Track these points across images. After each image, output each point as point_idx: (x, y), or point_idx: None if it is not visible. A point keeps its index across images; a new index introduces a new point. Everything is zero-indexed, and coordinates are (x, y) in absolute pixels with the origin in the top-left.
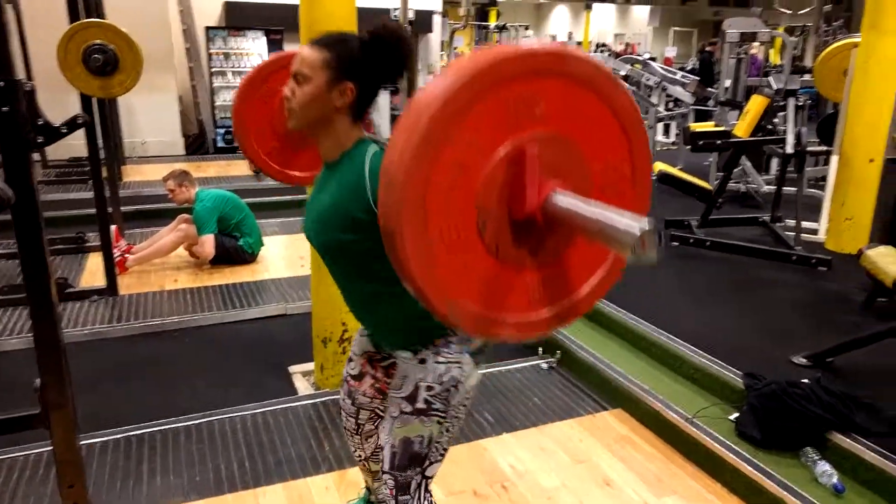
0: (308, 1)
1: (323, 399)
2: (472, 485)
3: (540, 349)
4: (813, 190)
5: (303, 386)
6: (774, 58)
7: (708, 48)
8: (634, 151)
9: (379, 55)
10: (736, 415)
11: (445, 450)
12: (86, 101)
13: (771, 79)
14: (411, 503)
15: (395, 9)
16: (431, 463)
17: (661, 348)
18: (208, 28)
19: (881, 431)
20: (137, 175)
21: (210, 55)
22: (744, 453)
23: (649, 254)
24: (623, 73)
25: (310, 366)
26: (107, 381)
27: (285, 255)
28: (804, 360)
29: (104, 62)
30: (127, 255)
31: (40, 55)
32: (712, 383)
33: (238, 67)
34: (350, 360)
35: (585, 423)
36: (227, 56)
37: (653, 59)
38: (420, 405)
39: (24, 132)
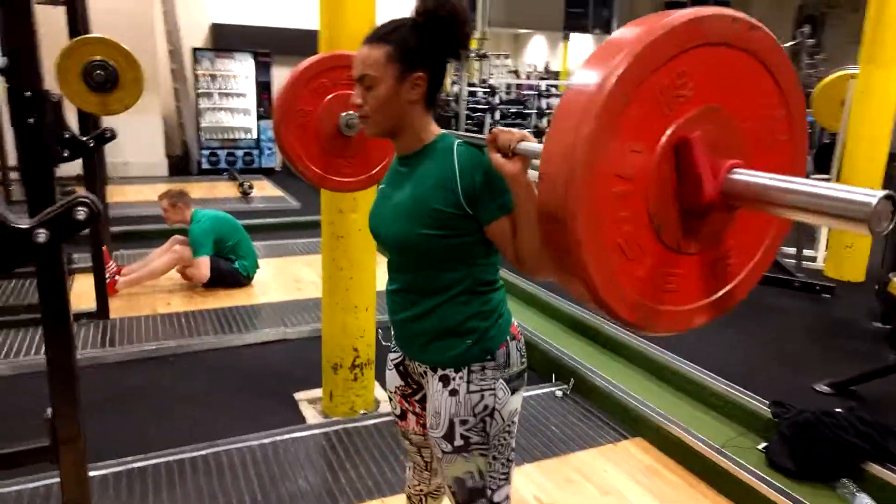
0: (329, 19)
1: (335, 428)
2: None
3: (553, 376)
4: None
5: (311, 414)
6: None
7: None
8: (786, 93)
9: (438, 34)
10: (764, 444)
11: (506, 473)
12: (83, 119)
13: None
14: None
15: None
16: (494, 490)
17: (678, 375)
18: (195, 49)
19: None
20: (120, 196)
21: (197, 76)
22: (777, 484)
23: (887, 225)
24: None
25: (317, 392)
26: (102, 409)
27: (279, 278)
28: (827, 388)
29: (105, 79)
30: (117, 277)
31: None
32: (735, 411)
33: (225, 89)
34: (390, 399)
35: (607, 452)
36: (213, 77)
37: None
38: (458, 442)
39: (50, 146)
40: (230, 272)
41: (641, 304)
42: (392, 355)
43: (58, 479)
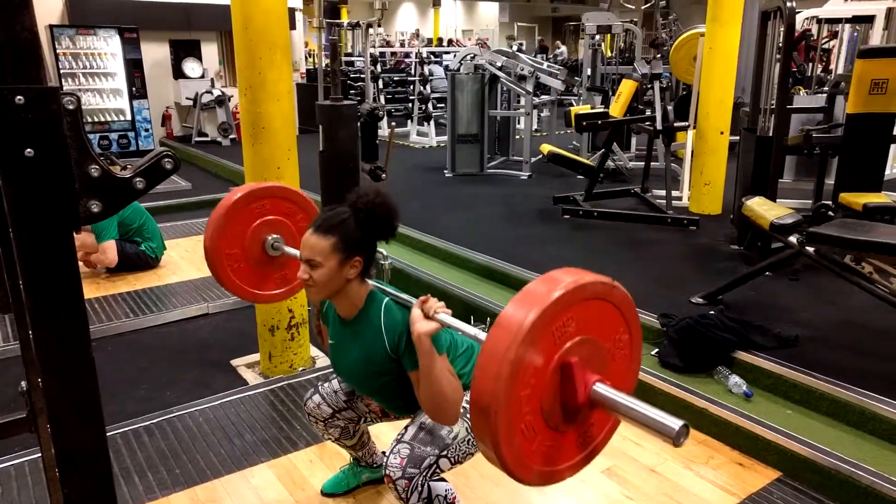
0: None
1: (280, 384)
2: None
3: (472, 318)
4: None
5: (251, 377)
6: (606, 51)
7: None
8: (630, 325)
9: (374, 226)
10: (656, 350)
11: (461, 462)
12: None
13: (637, 65)
14: (417, 478)
15: None
16: (447, 457)
17: None
18: (52, 26)
19: (772, 346)
20: None
21: (57, 55)
22: (670, 379)
23: (682, 441)
24: (499, 63)
25: (253, 357)
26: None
27: (189, 257)
28: (701, 300)
29: None
30: None
31: None
32: None
33: (92, 69)
34: (319, 405)
35: None
36: (76, 56)
37: (521, 50)
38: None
39: (68, 196)
40: (137, 255)
41: (544, 472)
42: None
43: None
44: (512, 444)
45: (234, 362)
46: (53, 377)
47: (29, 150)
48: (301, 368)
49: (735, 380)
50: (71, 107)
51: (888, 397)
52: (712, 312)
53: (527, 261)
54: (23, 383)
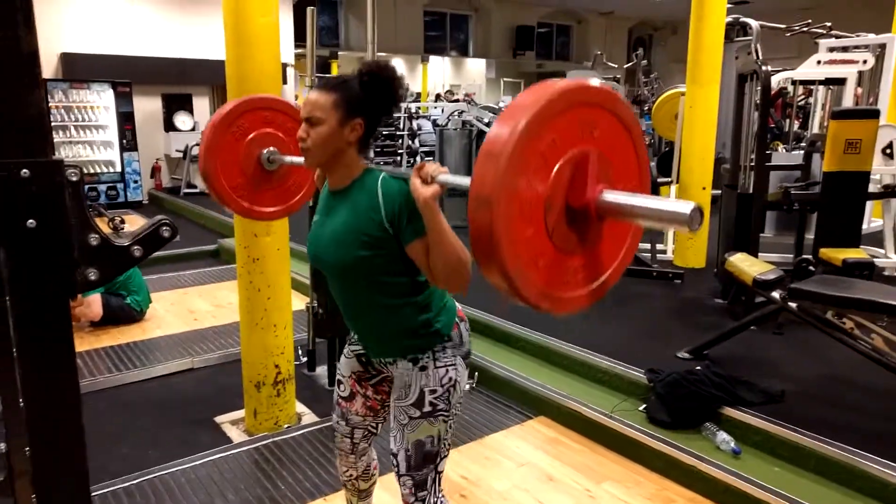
0: (236, 57)
1: (264, 442)
2: None
3: None
4: None
5: (235, 434)
6: None
7: None
8: (638, 154)
9: (377, 91)
10: (644, 405)
11: (450, 445)
12: None
13: None
14: (429, 497)
15: None
16: (441, 458)
17: (568, 357)
18: (45, 80)
19: (759, 401)
20: None
21: (48, 109)
22: (658, 435)
23: (698, 226)
24: (486, 119)
25: (238, 414)
26: None
27: (173, 310)
28: (687, 355)
29: None
30: None
31: None
32: (618, 382)
33: (83, 122)
34: (339, 382)
35: (516, 431)
36: (68, 109)
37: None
38: (427, 408)
39: (66, 265)
40: (121, 308)
41: (544, 291)
42: (353, 346)
43: None
44: (514, 247)
45: (219, 419)
46: (42, 442)
47: (31, 220)
48: (286, 426)
49: (723, 436)
50: (74, 178)
51: (874, 454)
52: (699, 368)
53: (513, 314)
54: (1, 445)
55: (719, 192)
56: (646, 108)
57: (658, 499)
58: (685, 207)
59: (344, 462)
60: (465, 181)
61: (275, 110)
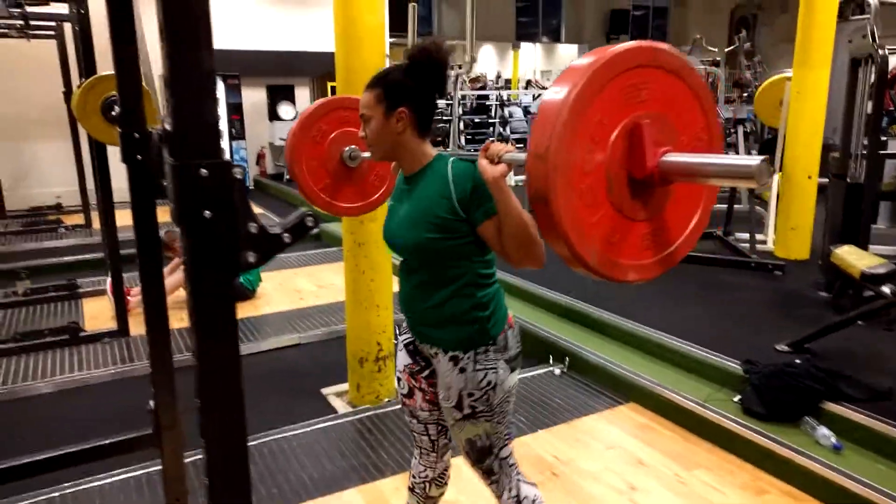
0: (344, 51)
1: (367, 414)
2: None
3: (550, 357)
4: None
5: (340, 405)
6: None
7: None
8: (710, 124)
9: (421, 75)
10: (738, 397)
11: (509, 433)
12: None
13: (720, 109)
14: (502, 479)
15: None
16: (500, 448)
17: (661, 346)
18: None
19: (863, 398)
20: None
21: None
22: (753, 426)
23: (767, 178)
24: None
25: (342, 387)
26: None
27: (281, 289)
28: (786, 347)
29: None
30: (129, 298)
31: None
32: (712, 372)
33: None
34: (398, 380)
35: (607, 416)
36: None
37: None
38: (466, 411)
39: (233, 249)
40: (236, 287)
41: (606, 258)
42: (402, 337)
43: (159, 467)
44: (570, 204)
45: (325, 391)
46: (211, 398)
47: (207, 211)
48: (387, 400)
49: (823, 431)
50: (239, 176)
51: None
52: (798, 361)
53: (606, 301)
54: (150, 402)
55: (826, 180)
56: (747, 93)
57: (751, 488)
58: (751, 161)
59: (424, 460)
60: None
61: (349, 109)
